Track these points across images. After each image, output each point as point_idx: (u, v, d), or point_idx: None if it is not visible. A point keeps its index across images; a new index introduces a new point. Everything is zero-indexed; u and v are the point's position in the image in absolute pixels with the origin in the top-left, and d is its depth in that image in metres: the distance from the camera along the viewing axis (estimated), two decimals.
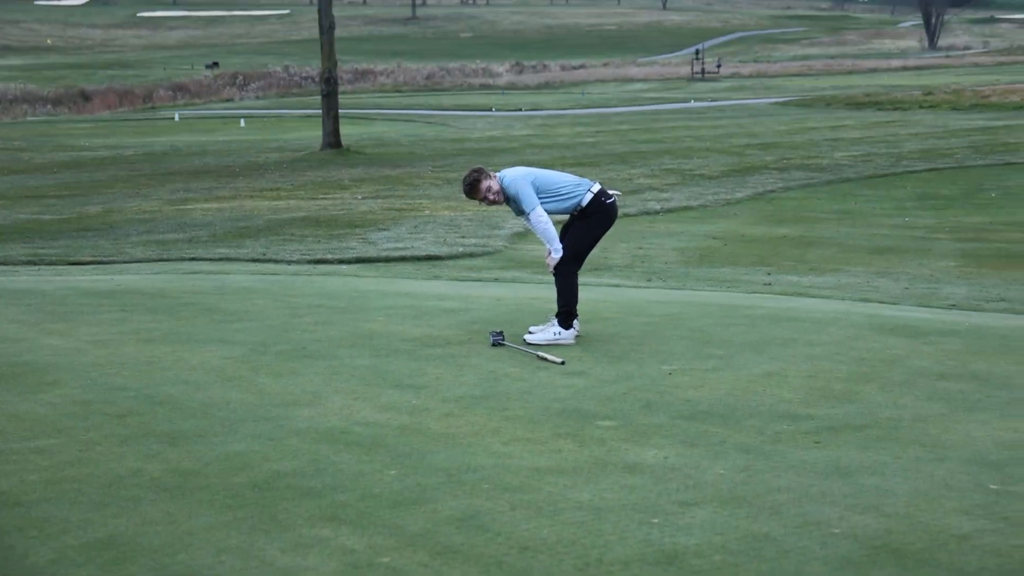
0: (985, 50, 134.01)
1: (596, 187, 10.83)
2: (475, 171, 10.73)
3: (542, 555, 5.95)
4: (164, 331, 11.52)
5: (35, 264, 17.57)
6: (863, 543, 6.01)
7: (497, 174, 10.73)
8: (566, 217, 11.02)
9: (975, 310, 12.91)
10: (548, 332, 10.65)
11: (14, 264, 17.56)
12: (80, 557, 6.01)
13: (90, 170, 35.63)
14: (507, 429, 8.11)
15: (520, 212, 10.73)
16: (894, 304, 13.25)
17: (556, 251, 10.59)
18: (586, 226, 10.86)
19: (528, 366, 9.79)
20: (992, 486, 6.85)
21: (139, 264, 17.46)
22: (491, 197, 10.62)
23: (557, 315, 10.73)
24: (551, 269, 10.76)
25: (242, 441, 7.92)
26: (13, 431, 8.19)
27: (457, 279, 15.62)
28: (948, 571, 5.65)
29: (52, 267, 17.23)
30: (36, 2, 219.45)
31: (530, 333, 10.72)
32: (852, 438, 7.79)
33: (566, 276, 10.75)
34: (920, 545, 5.98)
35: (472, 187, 10.61)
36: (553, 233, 10.63)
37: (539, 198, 10.58)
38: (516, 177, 10.65)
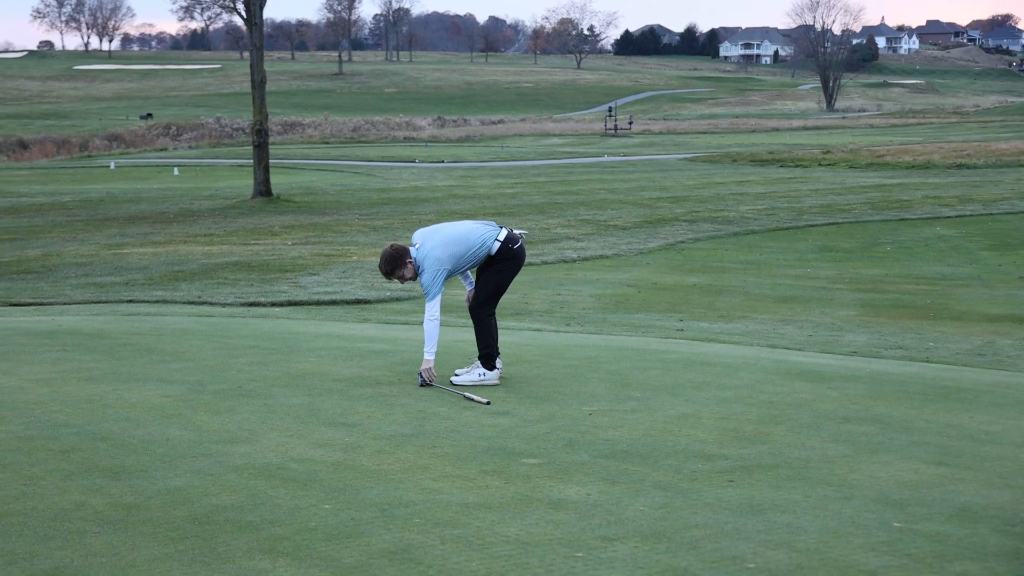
0: (879, 112, 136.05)
1: (503, 233, 10.74)
2: (394, 257, 10.52)
3: None
4: (104, 370, 11.41)
5: None
6: None
7: (418, 242, 10.57)
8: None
9: (875, 357, 13.06)
10: (473, 374, 10.65)
11: None
12: None
13: (29, 215, 35.29)
14: (436, 466, 8.10)
15: (422, 284, 10.60)
16: (799, 350, 13.38)
17: (429, 356, 10.50)
18: (496, 271, 10.76)
19: (455, 406, 9.79)
20: (896, 524, 6.92)
21: (78, 306, 17.30)
22: (401, 284, 10.89)
23: (480, 357, 10.71)
24: (426, 378, 10.51)
25: (182, 476, 7.86)
26: None
27: (385, 322, 15.61)
28: None
29: None
30: None
31: (456, 375, 10.69)
32: (764, 477, 7.85)
33: (484, 319, 10.76)
34: None
35: (388, 274, 10.57)
36: (435, 337, 10.51)
37: (461, 263, 10.56)
38: (436, 260, 10.46)
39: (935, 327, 16.18)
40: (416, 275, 10.54)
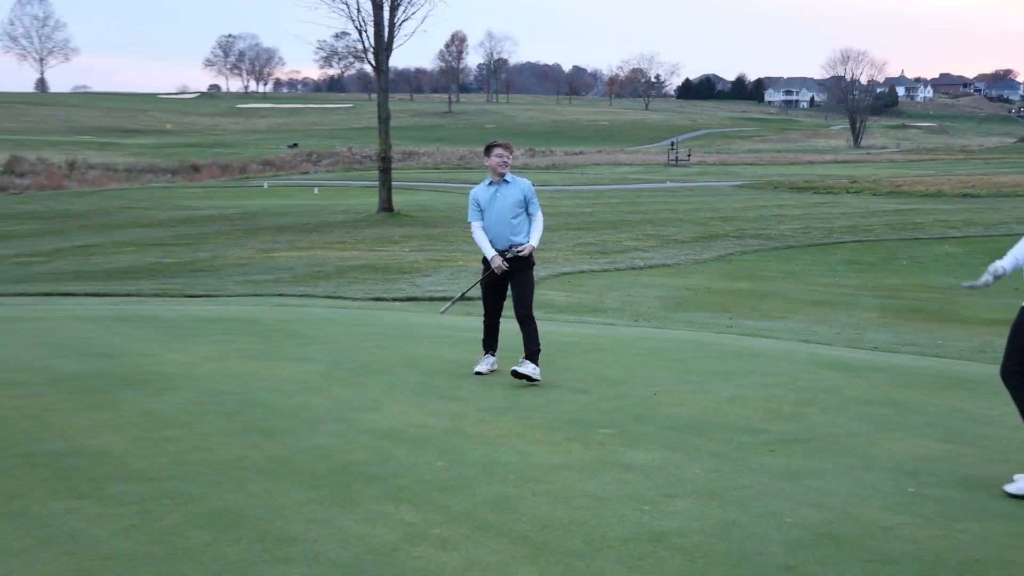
0: (898, 149, 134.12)
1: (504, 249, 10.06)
2: (510, 151, 10.07)
3: (558, 532, 5.96)
4: (259, 350, 11.57)
5: (160, 296, 17.67)
6: (810, 531, 6.02)
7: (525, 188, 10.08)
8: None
9: (893, 352, 12.93)
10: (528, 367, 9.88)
11: (143, 296, 17.66)
12: (201, 522, 6.05)
13: (200, 225, 35.80)
14: (528, 433, 8.14)
15: (522, 207, 9.96)
16: (830, 345, 13.27)
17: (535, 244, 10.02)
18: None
19: (545, 387, 9.80)
20: (910, 489, 6.85)
21: (239, 298, 17.54)
22: (507, 161, 9.93)
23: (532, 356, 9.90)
24: (525, 252, 9.90)
25: (322, 436, 7.96)
26: (147, 424, 8.25)
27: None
28: (876, 554, 5.66)
29: (173, 299, 17.32)
30: (159, 96, 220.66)
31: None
32: (799, 449, 7.80)
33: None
34: (854, 534, 5.98)
35: (508, 147, 10.00)
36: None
37: (491, 217, 10.02)
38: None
39: (944, 328, 15.96)
40: (503, 177, 9.97)
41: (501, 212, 9.94)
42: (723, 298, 19.37)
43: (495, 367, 10.35)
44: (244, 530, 5.91)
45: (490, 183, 10.04)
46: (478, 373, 10.19)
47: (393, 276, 21.56)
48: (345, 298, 17.77)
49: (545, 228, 10.39)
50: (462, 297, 11.18)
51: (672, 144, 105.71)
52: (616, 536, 5.91)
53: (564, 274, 22.48)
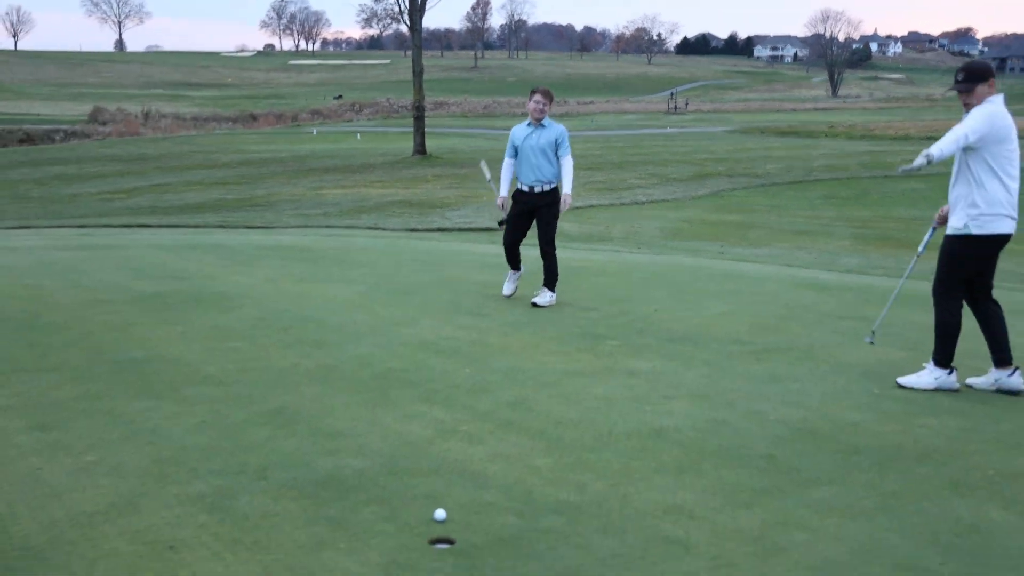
0: (871, 99, 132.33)
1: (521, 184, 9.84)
2: (551, 98, 9.74)
3: (571, 428, 6.01)
4: (310, 274, 11.61)
5: (223, 227, 17.69)
6: (789, 427, 6.05)
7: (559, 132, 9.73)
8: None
9: (864, 274, 12.85)
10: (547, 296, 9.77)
11: (209, 227, 17.69)
12: (263, 419, 6.12)
13: (257, 167, 35.74)
14: (544, 344, 8.17)
15: (551, 149, 9.63)
16: (808, 269, 13.19)
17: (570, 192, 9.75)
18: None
19: (560, 306, 9.81)
20: (875, 391, 6.86)
21: (292, 229, 17.55)
22: (543, 108, 9.63)
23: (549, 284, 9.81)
24: (566, 207, 9.73)
25: (365, 348, 8.01)
26: (215, 336, 8.31)
27: None
28: (845, 446, 5.69)
29: (234, 229, 17.33)
30: (221, 54, 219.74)
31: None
32: (781, 357, 7.81)
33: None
34: (827, 429, 6.01)
35: (547, 95, 9.67)
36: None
37: (522, 151, 9.74)
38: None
39: (908, 254, 15.80)
40: (546, 122, 9.69)
41: (532, 151, 9.65)
42: (715, 229, 19.27)
43: (517, 284, 10.19)
44: (298, 427, 5.98)
45: (529, 124, 9.80)
46: (507, 296, 10.08)
47: (426, 210, 21.52)
48: (384, 229, 17.75)
49: None
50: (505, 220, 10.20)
51: (672, 95, 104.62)
52: (621, 432, 5.95)
53: (576, 208, 22.38)
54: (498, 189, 10.09)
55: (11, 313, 9.18)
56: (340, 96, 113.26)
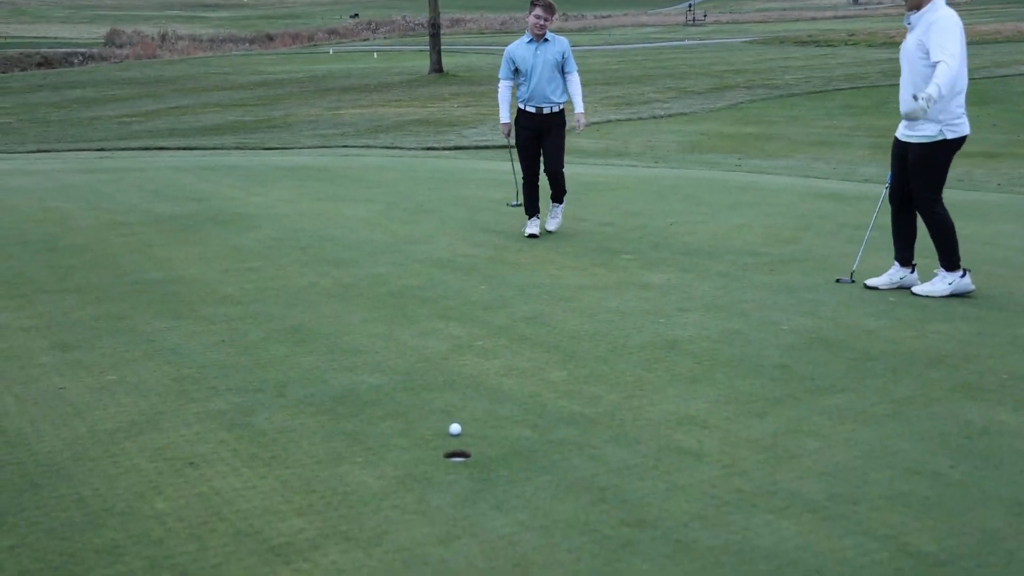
0: (892, 4, 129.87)
1: (524, 103, 9.00)
2: (554, 11, 8.88)
3: (585, 342, 6.01)
4: (327, 193, 11.59)
5: (241, 149, 17.64)
6: (803, 336, 6.03)
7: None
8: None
9: (881, 183, 12.68)
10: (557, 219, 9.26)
11: (227, 149, 17.65)
12: (281, 336, 6.15)
13: (274, 87, 35.51)
14: (559, 260, 8.15)
15: (558, 66, 8.79)
16: (826, 179, 13.08)
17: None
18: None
19: (575, 219, 9.76)
20: (890, 299, 6.83)
21: (309, 149, 17.49)
22: (543, 24, 8.74)
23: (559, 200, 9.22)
24: (583, 127, 9.20)
25: (382, 265, 8.01)
26: (234, 257, 8.33)
27: None
28: (859, 353, 5.68)
29: (252, 151, 17.29)
30: None
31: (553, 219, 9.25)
32: (796, 267, 7.78)
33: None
34: (841, 336, 6.00)
35: (549, 7, 8.75)
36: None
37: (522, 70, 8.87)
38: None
39: None
40: (542, 34, 8.80)
41: (537, 70, 8.77)
42: (733, 141, 19.08)
43: (537, 229, 9.09)
44: (316, 344, 6.01)
45: (530, 40, 8.86)
46: (531, 235, 9.00)
47: (443, 128, 21.38)
48: (401, 148, 17.67)
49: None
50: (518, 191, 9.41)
51: (690, 6, 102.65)
52: (635, 344, 5.95)
53: (593, 123, 22.18)
54: (504, 113, 9.13)
55: (33, 236, 9.22)
56: (356, 15, 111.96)
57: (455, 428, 4.63)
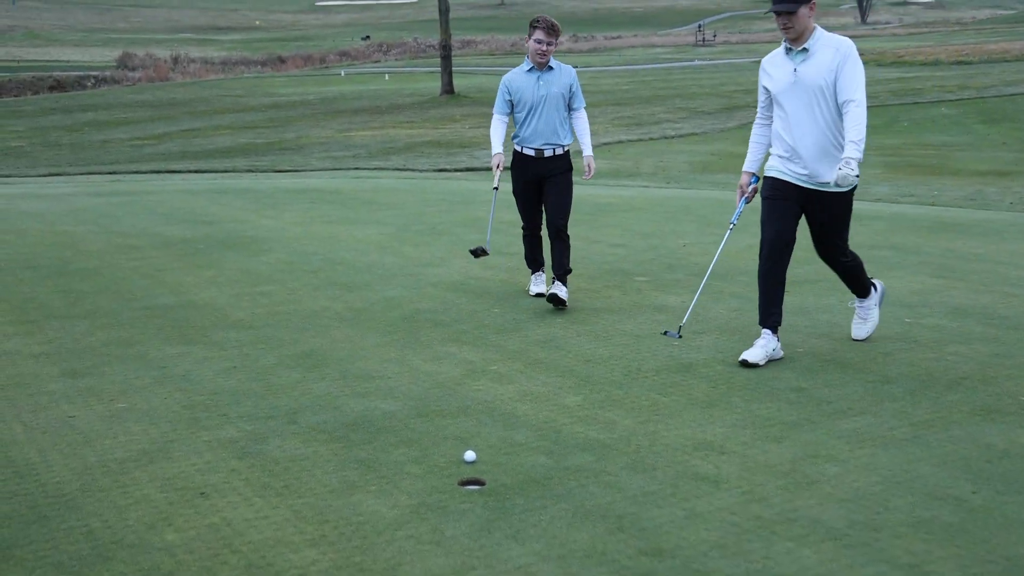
0: (900, 24, 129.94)
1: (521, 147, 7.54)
2: (558, 33, 7.32)
3: (600, 365, 5.95)
4: (339, 216, 11.57)
5: (252, 171, 17.67)
6: (818, 358, 5.96)
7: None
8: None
9: (893, 202, 12.67)
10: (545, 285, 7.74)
11: (238, 172, 17.67)
12: (292, 362, 6.10)
13: (285, 109, 35.63)
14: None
15: (564, 101, 7.35)
16: None
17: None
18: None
19: (585, 240, 9.70)
20: (907, 320, 6.75)
21: (320, 171, 17.51)
22: (545, 51, 7.22)
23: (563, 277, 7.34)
24: (591, 174, 7.52)
25: (395, 289, 7.97)
26: (245, 280, 8.30)
27: None
28: (876, 376, 5.60)
29: (264, 173, 17.31)
30: None
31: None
32: (810, 288, 7.71)
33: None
34: (857, 359, 5.92)
35: (552, 30, 7.25)
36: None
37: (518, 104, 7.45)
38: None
39: (938, 180, 15.60)
40: (545, 62, 7.28)
41: (544, 105, 7.31)
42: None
43: (543, 287, 7.71)
44: (328, 369, 5.95)
45: (530, 69, 7.36)
46: (538, 294, 7.65)
47: (454, 150, 21.39)
48: (413, 170, 17.67)
49: (587, 104, 7.79)
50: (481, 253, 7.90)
51: (699, 27, 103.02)
52: (650, 368, 5.89)
53: (604, 144, 22.16)
54: (495, 146, 7.58)
55: (43, 260, 9.21)
56: (368, 37, 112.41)
57: (470, 455, 4.57)
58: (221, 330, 6.82)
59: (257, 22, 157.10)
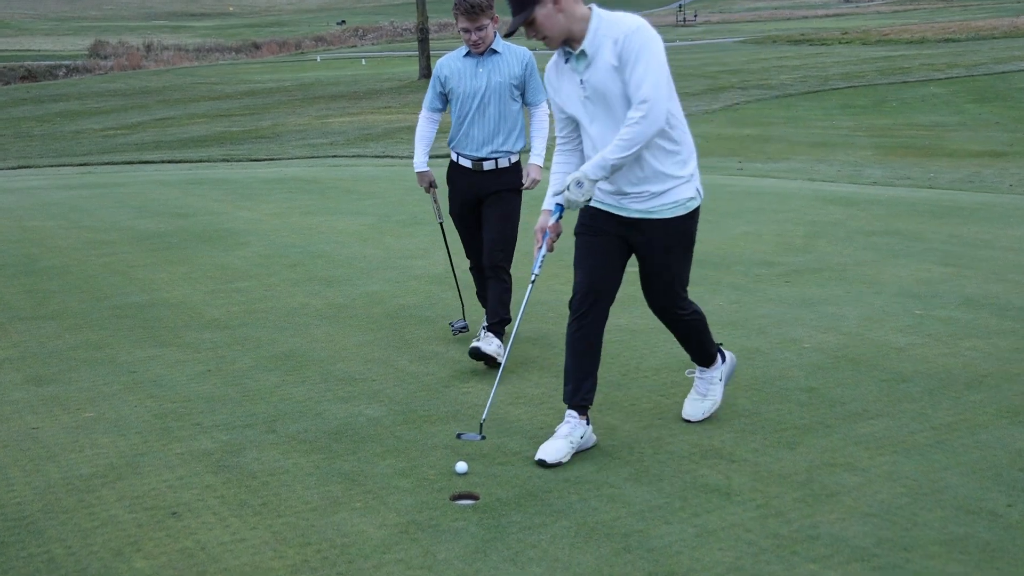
0: (884, 2, 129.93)
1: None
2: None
3: None
4: (317, 206, 11.27)
5: (228, 161, 17.30)
6: (827, 354, 5.70)
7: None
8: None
9: (890, 185, 12.42)
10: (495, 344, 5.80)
11: (213, 161, 17.31)
12: (271, 364, 5.82)
13: (261, 97, 35.16)
14: (563, 274, 7.70)
15: (513, 92, 5.78)
16: (832, 182, 12.77)
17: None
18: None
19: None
20: (917, 311, 6.50)
21: (298, 160, 17.16)
22: (476, 40, 5.65)
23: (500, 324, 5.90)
24: (529, 185, 5.91)
25: (377, 283, 7.69)
26: (220, 276, 8.01)
27: None
28: (890, 374, 5.34)
29: (239, 163, 16.95)
30: None
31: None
32: (812, 278, 7.45)
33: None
34: (869, 355, 5.66)
35: (476, 10, 5.54)
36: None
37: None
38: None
39: (933, 162, 15.37)
40: (481, 50, 5.71)
41: (488, 99, 5.74)
42: (732, 144, 18.76)
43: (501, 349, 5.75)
44: (308, 372, 5.67)
45: (467, 53, 5.78)
46: (476, 351, 5.66)
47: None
48: (393, 156, 17.32)
49: None
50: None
51: (680, 6, 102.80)
52: (649, 366, 5.63)
53: None
54: (417, 159, 6.28)
55: (9, 258, 8.89)
56: (343, 21, 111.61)
57: (461, 466, 4.29)
58: (195, 330, 6.53)
59: (230, 8, 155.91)
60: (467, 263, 6.35)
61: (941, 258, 7.96)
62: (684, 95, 29.26)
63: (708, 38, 66.02)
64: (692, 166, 4.35)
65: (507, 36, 4.42)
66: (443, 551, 3.61)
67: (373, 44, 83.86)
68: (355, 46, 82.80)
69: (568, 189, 4.24)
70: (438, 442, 4.63)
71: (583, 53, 4.14)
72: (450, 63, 5.83)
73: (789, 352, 5.76)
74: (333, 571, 3.50)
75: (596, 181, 4.21)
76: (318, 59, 62.31)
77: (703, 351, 4.78)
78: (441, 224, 6.49)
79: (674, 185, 4.29)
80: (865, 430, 4.57)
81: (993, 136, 19.24)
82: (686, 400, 4.82)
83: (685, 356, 5.67)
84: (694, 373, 4.84)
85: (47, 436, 4.82)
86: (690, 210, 4.36)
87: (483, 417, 4.62)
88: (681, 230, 4.39)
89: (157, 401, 5.27)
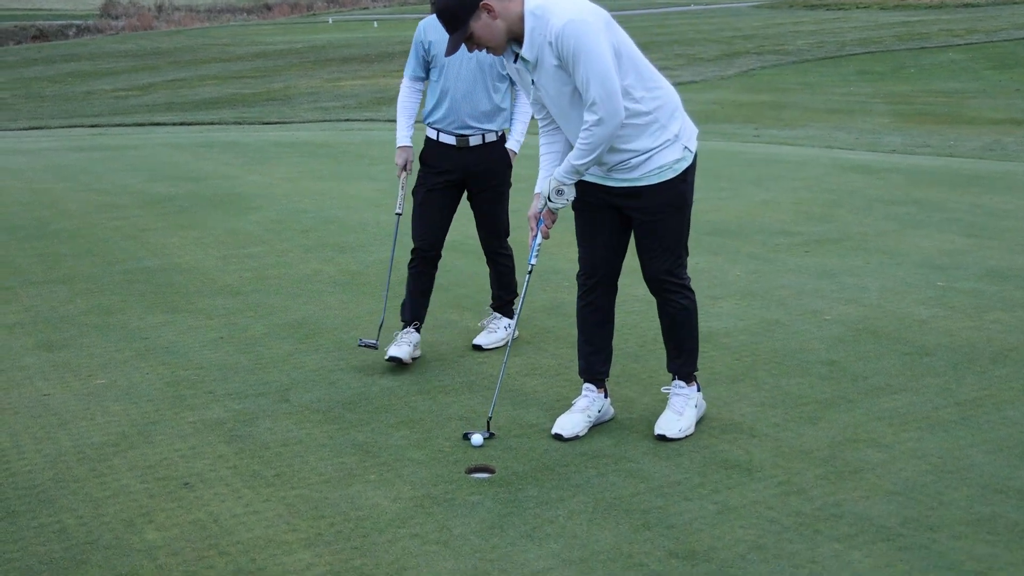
0: None
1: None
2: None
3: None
4: (330, 171, 11.19)
5: (239, 124, 17.22)
6: (849, 326, 5.62)
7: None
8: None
9: (909, 153, 12.27)
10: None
11: (225, 124, 17.22)
12: (284, 332, 5.77)
13: (273, 59, 34.96)
14: (571, 254, 7.71)
15: (497, 71, 5.27)
16: (851, 150, 12.62)
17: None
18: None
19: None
20: (940, 283, 6.40)
21: (310, 124, 17.05)
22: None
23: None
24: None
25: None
26: (232, 242, 7.95)
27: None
28: (913, 346, 5.26)
29: (251, 126, 16.86)
30: None
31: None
32: (832, 248, 7.35)
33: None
34: (891, 327, 5.57)
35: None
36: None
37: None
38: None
39: (953, 130, 15.17)
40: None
41: (471, 70, 5.20)
42: (748, 110, 18.56)
43: (416, 352, 5.28)
44: (322, 339, 5.62)
45: None
46: (392, 358, 5.13)
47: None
48: None
49: None
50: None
51: None
52: None
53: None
54: (400, 134, 5.64)
55: (21, 221, 8.84)
56: None
57: (477, 438, 4.24)
58: (207, 296, 6.47)
59: None
60: (408, 257, 5.60)
61: (963, 228, 7.85)
62: (698, 60, 29.14)
63: (724, 2, 65.50)
64: (675, 127, 4.18)
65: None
66: (459, 526, 3.56)
67: (385, 6, 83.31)
68: (367, 8, 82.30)
69: (550, 200, 4.24)
70: (453, 412, 4.57)
71: (526, 60, 3.96)
72: (436, 25, 5.09)
73: (810, 324, 5.67)
74: (347, 545, 3.45)
75: (573, 183, 4.19)
76: (330, 21, 61.99)
77: (686, 356, 4.42)
78: (399, 216, 5.79)
79: (656, 152, 4.15)
80: (888, 405, 4.49)
81: (1014, 103, 18.99)
82: (660, 417, 4.32)
83: (703, 327, 5.58)
84: (669, 390, 4.43)
85: (58, 403, 4.77)
86: (678, 172, 4.22)
87: (489, 414, 4.40)
88: (673, 193, 4.26)
89: (169, 368, 5.22)
